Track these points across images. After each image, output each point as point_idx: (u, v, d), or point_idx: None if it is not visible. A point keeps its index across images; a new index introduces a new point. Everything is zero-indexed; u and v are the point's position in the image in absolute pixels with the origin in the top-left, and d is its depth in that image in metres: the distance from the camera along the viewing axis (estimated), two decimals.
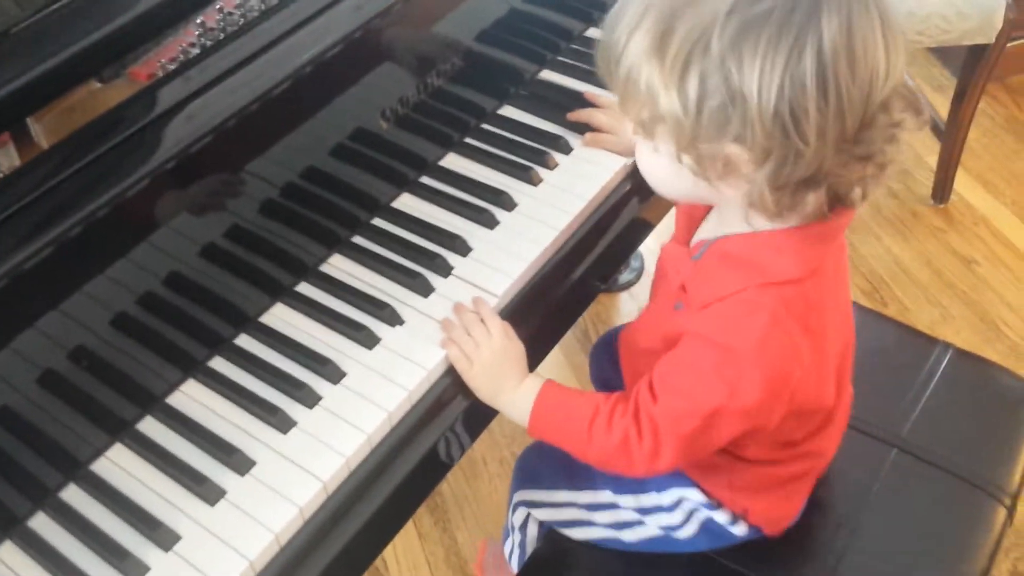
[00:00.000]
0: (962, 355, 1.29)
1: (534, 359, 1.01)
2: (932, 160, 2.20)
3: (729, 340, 0.82)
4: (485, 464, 1.76)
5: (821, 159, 0.73)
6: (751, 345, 0.80)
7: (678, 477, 1.02)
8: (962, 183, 2.22)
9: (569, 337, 1.96)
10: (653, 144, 0.80)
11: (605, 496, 1.07)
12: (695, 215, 0.94)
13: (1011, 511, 1.13)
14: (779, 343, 0.81)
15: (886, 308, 1.99)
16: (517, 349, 0.97)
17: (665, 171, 0.82)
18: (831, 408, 0.95)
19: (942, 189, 2.17)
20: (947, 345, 1.29)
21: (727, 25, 0.70)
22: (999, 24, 1.86)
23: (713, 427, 0.84)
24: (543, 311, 1.06)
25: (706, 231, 0.92)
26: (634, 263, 2.08)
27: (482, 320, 0.98)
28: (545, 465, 1.15)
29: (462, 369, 0.96)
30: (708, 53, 0.71)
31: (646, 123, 0.78)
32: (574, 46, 1.34)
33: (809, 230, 0.81)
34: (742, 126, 0.72)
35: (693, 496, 1.01)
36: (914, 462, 1.16)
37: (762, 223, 0.82)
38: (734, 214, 0.84)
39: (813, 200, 0.78)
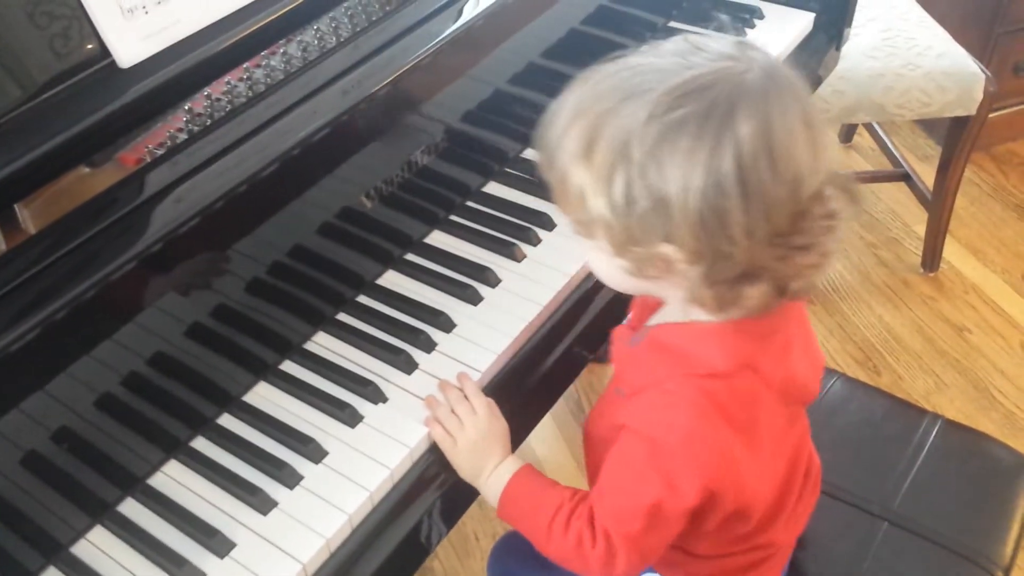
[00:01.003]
0: (952, 426, 1.29)
1: (521, 432, 1.01)
2: (921, 229, 2.22)
3: (655, 433, 0.82)
4: (477, 540, 1.74)
5: (753, 255, 0.74)
6: (677, 438, 0.80)
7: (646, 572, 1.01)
8: (951, 251, 2.24)
9: (562, 408, 1.96)
10: (593, 242, 0.80)
11: None
12: (649, 302, 0.93)
13: None
14: (705, 436, 0.80)
15: (880, 377, 1.99)
16: (500, 427, 0.97)
17: (608, 268, 0.83)
18: (777, 502, 0.93)
19: (931, 258, 2.19)
20: (936, 416, 1.29)
21: (646, 132, 0.72)
22: (979, 96, 1.90)
23: (659, 525, 0.83)
24: (529, 385, 1.07)
25: (653, 318, 0.92)
26: None
27: (466, 398, 0.98)
28: (516, 557, 1.13)
29: (446, 448, 0.96)
30: (630, 160, 0.72)
31: (583, 223, 0.79)
32: None
33: (743, 324, 0.81)
34: (670, 228, 0.73)
35: None
36: (905, 535, 1.15)
37: (700, 314, 0.82)
38: (675, 304, 0.84)
39: (755, 294, 0.77)
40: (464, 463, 0.96)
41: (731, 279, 0.76)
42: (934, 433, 1.26)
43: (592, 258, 0.85)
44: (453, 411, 0.97)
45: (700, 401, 0.80)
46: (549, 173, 0.80)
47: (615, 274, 0.83)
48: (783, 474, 0.93)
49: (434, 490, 0.96)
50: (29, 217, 0.87)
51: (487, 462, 0.95)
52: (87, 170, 0.92)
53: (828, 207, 0.77)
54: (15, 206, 0.86)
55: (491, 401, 0.99)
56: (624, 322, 0.97)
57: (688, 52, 0.75)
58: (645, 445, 0.82)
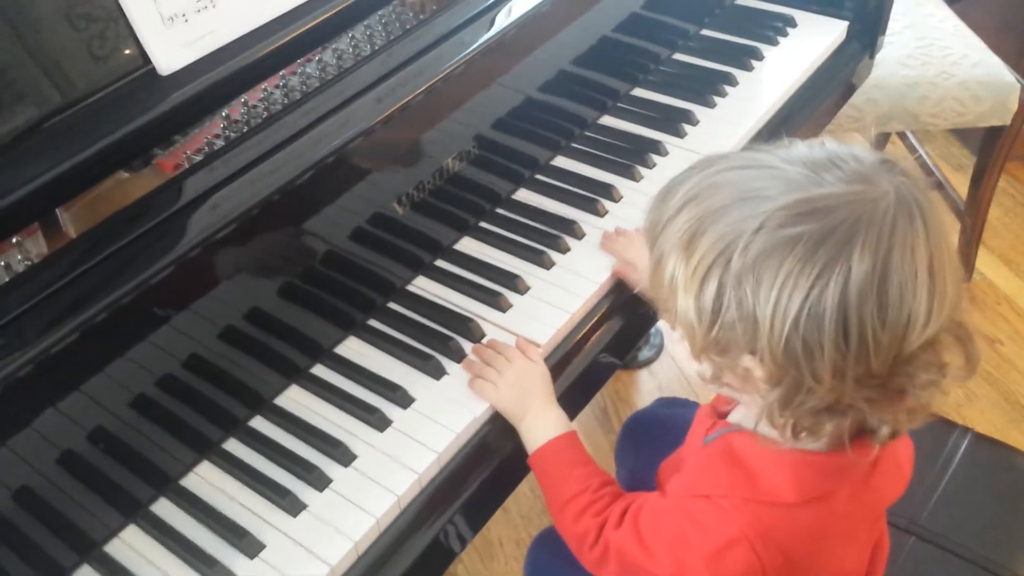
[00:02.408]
0: (981, 440, 1.27)
1: None
2: (954, 239, 2.19)
3: (691, 532, 0.79)
4: (501, 545, 1.74)
5: (839, 394, 0.69)
6: (706, 550, 0.78)
7: None
8: (984, 262, 2.21)
9: (588, 416, 1.96)
10: (677, 333, 0.77)
11: None
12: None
13: None
14: (738, 560, 0.77)
15: None
16: (539, 370, 1.01)
17: (687, 360, 0.78)
18: None
19: (964, 268, 2.16)
20: (966, 429, 1.28)
21: (753, 242, 0.67)
22: (1014, 106, 1.88)
23: None
24: (556, 392, 1.07)
25: (734, 414, 0.87)
26: (654, 340, 2.08)
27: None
28: (553, 556, 1.14)
29: (489, 396, 1.00)
30: (729, 267, 0.68)
31: (669, 311, 0.75)
32: (588, 133, 1.38)
33: (820, 457, 0.76)
34: (754, 346, 0.69)
35: None
36: (933, 550, 1.14)
37: (772, 433, 0.77)
38: (751, 414, 0.79)
39: (834, 429, 0.72)
40: (508, 406, 0.99)
41: (810, 410, 0.71)
42: (964, 447, 1.25)
43: (674, 345, 0.85)
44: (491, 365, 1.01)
45: (749, 529, 0.76)
46: (649, 251, 0.77)
47: (695, 370, 0.78)
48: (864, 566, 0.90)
49: (462, 495, 0.97)
50: (70, 221, 0.89)
51: (531, 403, 0.98)
52: (126, 175, 0.94)
53: (938, 357, 0.70)
54: (57, 210, 0.88)
55: (531, 345, 1.04)
56: (711, 402, 0.93)
57: (822, 166, 0.70)
58: (677, 531, 0.81)
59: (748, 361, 0.71)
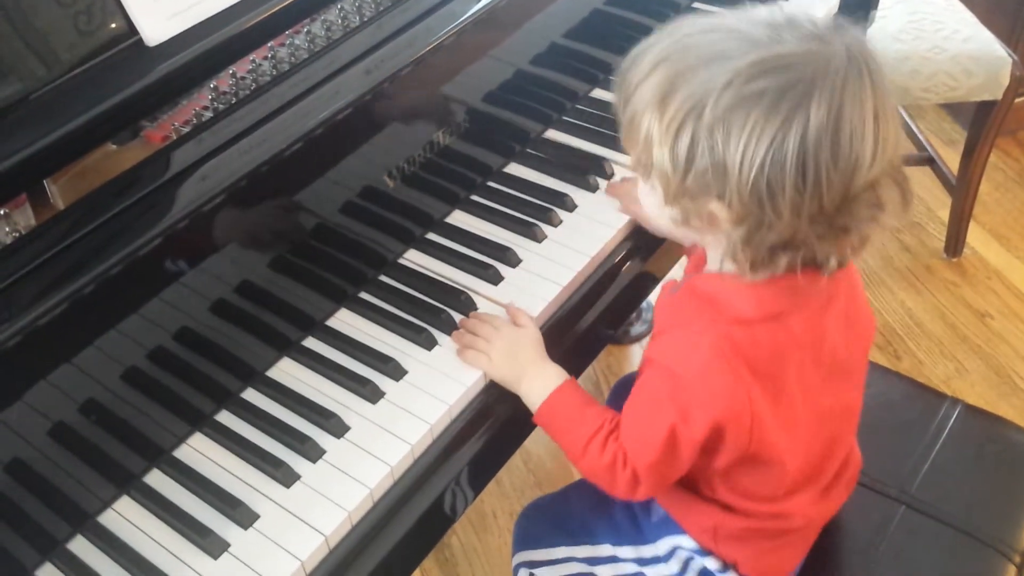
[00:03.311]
0: (971, 411, 1.28)
1: None
2: (944, 214, 2.21)
3: (675, 367, 0.86)
4: (495, 517, 1.75)
5: (794, 230, 0.77)
6: (694, 371, 0.84)
7: (668, 525, 1.04)
8: (975, 237, 2.22)
9: None
10: (649, 184, 0.84)
11: (604, 550, 1.07)
12: (701, 265, 0.96)
13: (1021, 569, 1.12)
14: (722, 375, 0.84)
15: (900, 362, 1.98)
16: (529, 333, 1.02)
17: (656, 212, 0.87)
18: (806, 471, 0.96)
19: (955, 243, 2.17)
20: (956, 400, 1.29)
21: (722, 96, 0.74)
22: (1005, 81, 1.88)
23: (675, 452, 0.88)
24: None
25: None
26: (646, 315, 2.09)
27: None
28: (541, 524, 1.16)
29: (482, 365, 1.01)
30: (701, 120, 0.75)
31: (643, 165, 0.83)
32: (579, 106, 1.37)
33: (774, 280, 0.83)
34: (723, 190, 0.76)
35: (685, 544, 1.02)
36: (922, 519, 1.15)
37: (733, 270, 0.85)
38: (714, 258, 0.88)
39: (787, 262, 0.81)
40: (503, 373, 1.00)
41: (769, 245, 0.79)
42: (954, 418, 1.26)
43: (644, 196, 0.89)
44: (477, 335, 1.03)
45: (720, 343, 0.84)
46: (622, 111, 0.83)
47: (662, 219, 0.87)
48: (819, 443, 0.95)
49: (454, 464, 0.97)
50: (58, 192, 0.89)
51: (525, 366, 0.99)
52: (114, 147, 0.93)
53: (878, 196, 0.79)
54: (45, 182, 0.87)
55: (521, 311, 1.05)
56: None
57: (781, 26, 0.77)
58: (665, 377, 0.87)
59: (714, 205, 0.78)
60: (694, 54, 0.77)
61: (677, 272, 1.10)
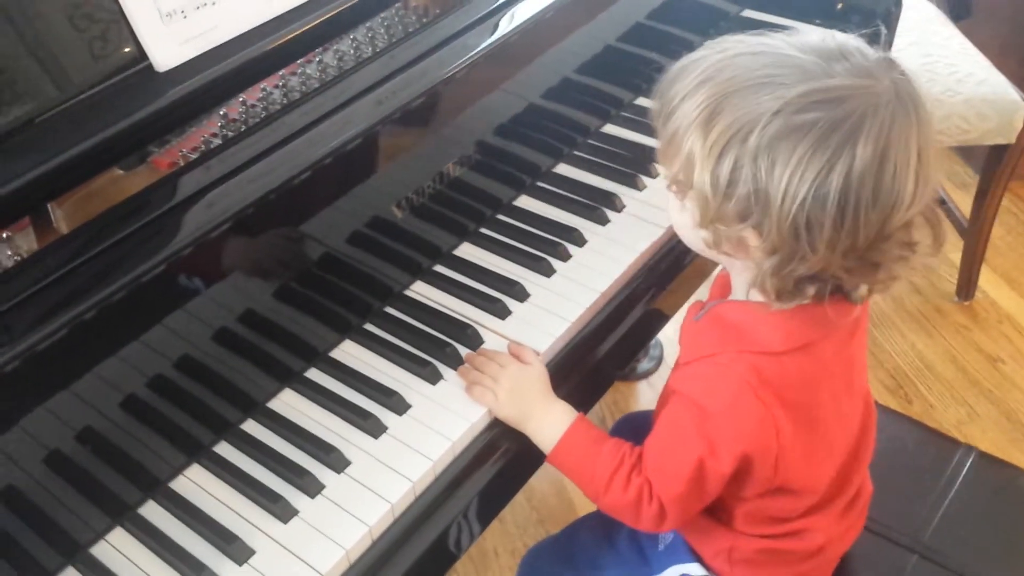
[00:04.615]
0: (985, 458, 1.26)
1: None
2: (956, 257, 2.19)
3: (703, 399, 0.85)
4: (496, 555, 1.72)
5: (826, 264, 0.77)
6: (722, 406, 0.83)
7: (676, 553, 1.02)
8: (987, 280, 2.20)
9: None
10: (682, 203, 0.84)
11: None
12: (726, 285, 0.95)
13: None
14: (750, 408, 0.83)
15: (911, 405, 1.95)
16: (535, 372, 1.00)
17: (687, 229, 0.86)
18: (828, 492, 0.95)
19: (966, 286, 2.15)
20: (970, 448, 1.26)
21: (770, 124, 0.73)
22: (1019, 125, 1.87)
23: (702, 484, 0.87)
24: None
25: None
26: (653, 352, 2.07)
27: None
28: (547, 563, 1.13)
29: (488, 403, 0.99)
30: (745, 145, 0.74)
31: (680, 183, 0.82)
32: (591, 141, 1.36)
33: (802, 310, 0.83)
34: (760, 220, 0.76)
35: (694, 572, 1.01)
36: (935, 568, 1.13)
37: (759, 299, 0.85)
38: (740, 284, 0.87)
39: (813, 292, 0.81)
40: (509, 413, 0.98)
41: (797, 277, 0.78)
42: (967, 465, 1.23)
43: (675, 213, 0.88)
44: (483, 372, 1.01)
45: (748, 375, 0.83)
46: (662, 124, 0.82)
47: (692, 238, 0.86)
48: (841, 467, 0.94)
49: (457, 502, 0.95)
50: (62, 217, 0.88)
51: (532, 407, 0.97)
52: (121, 172, 0.92)
53: (911, 236, 0.78)
54: (49, 205, 0.86)
55: (525, 348, 1.03)
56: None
57: (833, 56, 0.76)
58: (692, 409, 0.86)
59: (748, 233, 0.78)
60: (743, 76, 0.76)
61: (702, 291, 1.09)
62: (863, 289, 0.83)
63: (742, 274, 0.86)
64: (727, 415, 0.83)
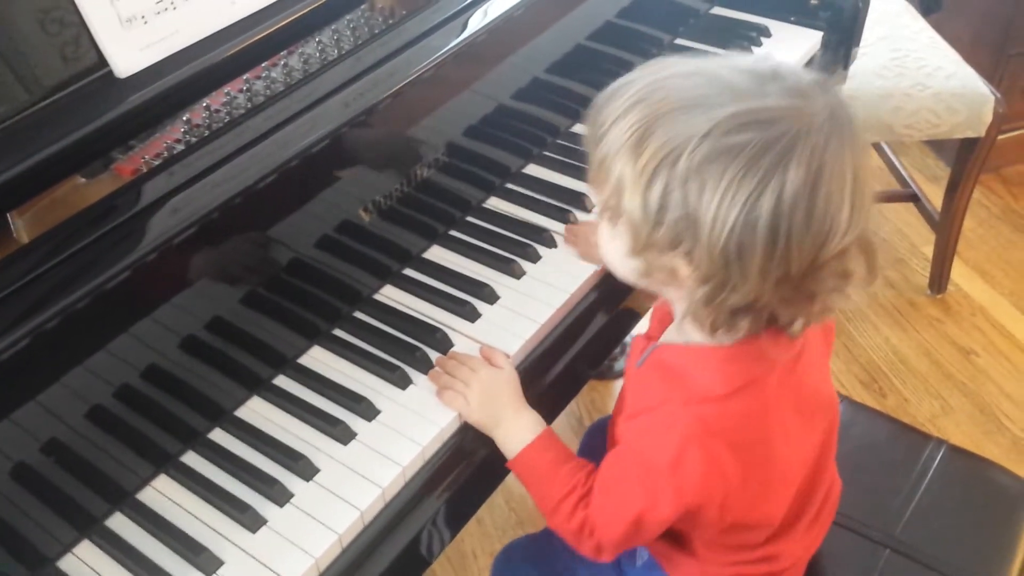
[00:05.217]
0: (956, 452, 1.26)
1: None
2: (928, 250, 2.20)
3: (647, 454, 0.83)
4: (475, 557, 1.72)
5: (759, 293, 0.74)
6: (665, 462, 0.81)
7: (653, 570, 1.01)
8: (959, 273, 2.22)
9: (563, 424, 1.94)
10: (613, 231, 0.81)
11: None
12: (666, 315, 0.93)
13: None
14: (695, 463, 0.80)
15: (885, 399, 1.96)
16: (505, 376, 1.00)
17: (618, 259, 0.83)
18: (789, 516, 0.94)
19: (939, 279, 2.17)
20: (941, 441, 1.27)
21: (700, 146, 0.70)
22: (988, 118, 1.88)
23: (639, 530, 0.86)
24: (528, 401, 1.05)
25: (664, 335, 0.92)
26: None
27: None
28: (521, 566, 1.14)
29: (459, 409, 0.98)
30: (676, 168, 0.71)
31: (611, 209, 0.79)
32: (560, 141, 1.36)
33: (740, 348, 0.81)
34: (691, 247, 0.73)
35: None
36: (907, 563, 1.13)
37: (697, 336, 0.82)
38: (679, 312, 0.85)
39: (747, 324, 0.78)
40: (480, 418, 0.98)
41: (731, 307, 0.75)
42: (938, 459, 1.24)
43: (604, 243, 0.85)
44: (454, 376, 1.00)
45: (693, 427, 0.80)
46: (593, 149, 0.79)
47: (623, 269, 0.83)
48: (801, 487, 0.93)
49: (428, 508, 0.95)
50: (23, 226, 0.86)
51: (502, 411, 0.97)
52: (83, 180, 0.91)
53: (846, 266, 0.75)
54: (8, 215, 0.85)
55: (497, 352, 1.02)
56: (644, 332, 0.97)
57: (765, 78, 0.73)
58: (636, 462, 0.85)
59: (679, 261, 0.75)
60: (674, 97, 0.73)
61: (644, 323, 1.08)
62: (799, 323, 0.80)
63: (678, 303, 0.83)
64: (670, 472, 0.81)
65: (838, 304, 0.78)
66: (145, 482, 0.94)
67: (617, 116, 0.76)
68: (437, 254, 1.19)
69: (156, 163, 0.93)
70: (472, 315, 1.10)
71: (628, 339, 1.99)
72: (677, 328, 0.87)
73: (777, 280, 0.73)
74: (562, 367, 1.10)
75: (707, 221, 0.71)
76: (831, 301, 0.77)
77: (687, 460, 0.80)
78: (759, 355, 0.81)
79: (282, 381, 1.04)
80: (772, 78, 0.73)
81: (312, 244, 1.05)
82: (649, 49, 1.51)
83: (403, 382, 1.02)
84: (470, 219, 1.23)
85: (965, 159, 1.98)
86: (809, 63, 1.55)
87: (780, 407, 0.85)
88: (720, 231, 0.70)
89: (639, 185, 0.73)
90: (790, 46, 1.53)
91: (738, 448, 0.81)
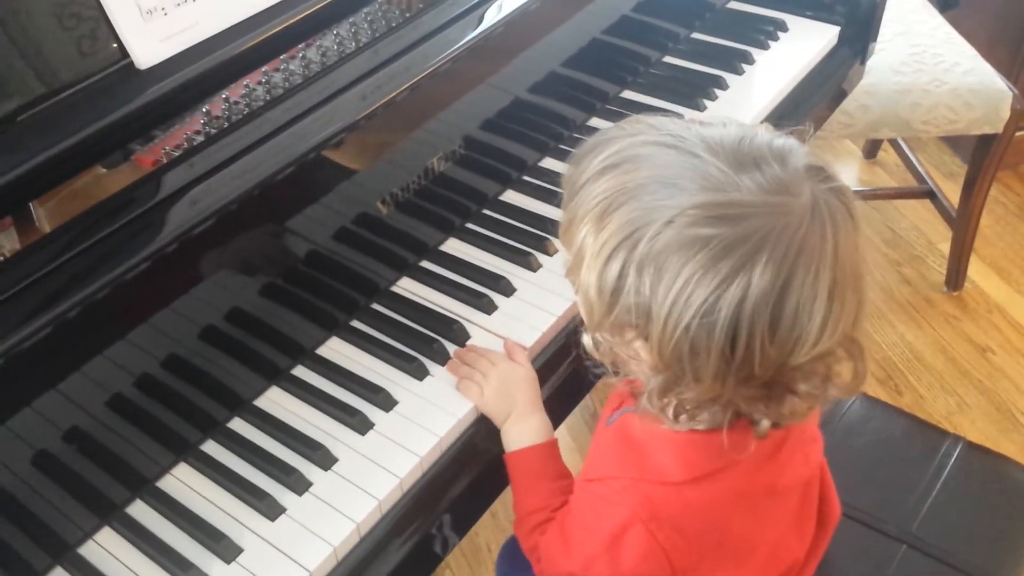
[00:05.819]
0: (973, 449, 1.26)
1: None
2: (945, 247, 2.19)
3: (591, 524, 0.81)
4: (489, 551, 1.72)
5: (717, 393, 0.69)
6: (605, 538, 0.78)
7: None
8: (976, 270, 2.20)
9: (577, 419, 1.95)
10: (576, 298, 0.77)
11: None
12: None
13: None
14: (635, 544, 0.77)
15: (901, 396, 1.96)
16: (523, 373, 1.00)
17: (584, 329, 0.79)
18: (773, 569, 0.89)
19: (955, 276, 2.16)
20: (958, 438, 1.26)
21: (661, 233, 0.65)
22: (1006, 114, 1.87)
23: None
24: (543, 395, 1.06)
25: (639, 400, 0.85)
26: None
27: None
28: (524, 560, 1.13)
29: (473, 397, 0.99)
30: (634, 252, 0.67)
31: (574, 274, 0.75)
32: (577, 135, 1.36)
33: (705, 437, 0.75)
34: (647, 333, 0.68)
35: None
36: (923, 559, 1.13)
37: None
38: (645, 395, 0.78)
39: (710, 417, 0.73)
40: (493, 409, 0.98)
41: (688, 400, 0.71)
42: (955, 455, 1.24)
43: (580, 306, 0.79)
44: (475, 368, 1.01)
45: (639, 509, 0.76)
46: (567, 200, 0.76)
47: (587, 342, 0.79)
48: (785, 567, 0.89)
49: (445, 500, 0.95)
50: (44, 216, 0.87)
51: (513, 404, 0.97)
52: (103, 170, 0.92)
53: (827, 369, 0.70)
54: (31, 204, 0.86)
55: (519, 347, 1.03)
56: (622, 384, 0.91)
57: (743, 165, 0.67)
58: (581, 527, 0.83)
59: (639, 344, 0.71)
60: (644, 173, 0.68)
61: None
62: (766, 423, 0.73)
63: (643, 378, 0.77)
64: (607, 549, 0.78)
65: (814, 405, 0.72)
66: (165, 470, 0.95)
67: (588, 178, 0.72)
68: (454, 247, 1.19)
69: (176, 154, 0.94)
70: (489, 307, 1.10)
71: None
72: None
73: (739, 380, 0.67)
74: (574, 364, 1.10)
75: (660, 316, 0.65)
76: (800, 405, 0.71)
77: (626, 541, 0.77)
78: (723, 448, 0.74)
79: (301, 371, 1.04)
80: (751, 166, 0.67)
81: (330, 236, 1.06)
82: (665, 43, 1.51)
83: (420, 373, 1.03)
84: (486, 212, 1.24)
85: (982, 155, 1.97)
86: (827, 57, 1.54)
87: (752, 495, 0.79)
88: (673, 329, 0.65)
89: (598, 261, 0.69)
90: (807, 41, 1.52)
91: (691, 537, 0.77)
